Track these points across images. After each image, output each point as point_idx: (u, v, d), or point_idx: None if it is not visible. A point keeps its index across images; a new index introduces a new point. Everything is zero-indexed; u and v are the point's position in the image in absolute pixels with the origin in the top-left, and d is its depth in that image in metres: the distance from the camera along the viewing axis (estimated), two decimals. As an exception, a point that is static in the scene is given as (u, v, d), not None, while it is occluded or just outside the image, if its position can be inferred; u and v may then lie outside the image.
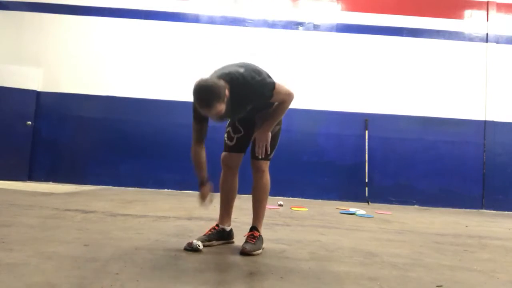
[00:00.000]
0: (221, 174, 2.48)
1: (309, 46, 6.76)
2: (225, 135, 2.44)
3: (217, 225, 2.42)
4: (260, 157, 2.28)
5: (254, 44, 6.67)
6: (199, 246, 2.14)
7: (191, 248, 2.12)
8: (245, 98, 2.09)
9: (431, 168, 6.56)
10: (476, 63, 6.78)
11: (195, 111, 2.16)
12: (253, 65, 2.20)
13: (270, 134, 2.27)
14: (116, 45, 6.81)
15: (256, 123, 2.34)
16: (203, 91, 1.93)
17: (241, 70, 2.08)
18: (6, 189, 4.95)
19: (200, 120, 2.21)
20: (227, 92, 1.95)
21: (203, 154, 2.32)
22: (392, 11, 6.88)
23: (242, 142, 2.38)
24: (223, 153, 2.45)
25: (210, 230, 2.39)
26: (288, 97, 2.22)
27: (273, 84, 2.11)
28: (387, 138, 6.61)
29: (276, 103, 2.24)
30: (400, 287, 1.69)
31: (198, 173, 2.33)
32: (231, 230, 2.44)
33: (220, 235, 2.38)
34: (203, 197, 2.30)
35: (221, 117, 2.07)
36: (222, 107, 1.93)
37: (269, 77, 2.19)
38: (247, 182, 2.61)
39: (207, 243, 2.28)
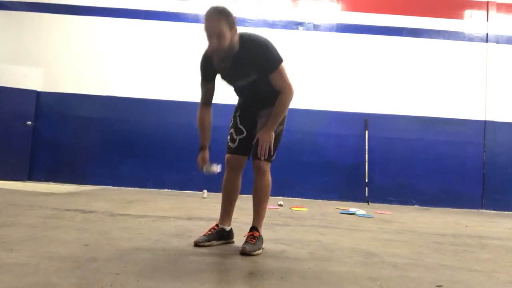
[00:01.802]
0: (224, 175, 2.44)
1: (309, 46, 6.76)
2: (228, 137, 2.42)
3: (216, 225, 2.40)
4: (262, 158, 2.23)
5: (254, 44, 6.66)
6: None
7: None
8: (252, 57, 2.11)
9: (431, 168, 6.56)
10: (476, 63, 6.78)
11: (201, 66, 2.25)
12: None
13: (273, 134, 2.23)
14: (116, 45, 6.81)
15: (258, 124, 2.32)
16: (214, 6, 2.01)
17: (257, 34, 2.17)
18: (6, 189, 4.95)
19: (206, 77, 2.28)
20: (236, 27, 2.04)
21: (208, 117, 2.39)
22: (392, 11, 6.89)
23: (245, 144, 2.35)
24: (226, 156, 2.43)
25: (209, 230, 2.38)
26: (288, 88, 2.19)
27: (280, 60, 2.14)
28: (387, 138, 6.61)
29: (274, 106, 2.22)
30: (400, 287, 1.68)
31: (200, 135, 2.38)
32: (231, 230, 2.43)
33: (220, 235, 2.37)
34: (200, 163, 2.31)
35: (223, 60, 2.09)
36: (227, 33, 1.99)
37: (281, 58, 2.19)
38: (248, 182, 2.61)
39: (207, 243, 2.28)
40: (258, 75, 2.19)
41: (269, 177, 2.34)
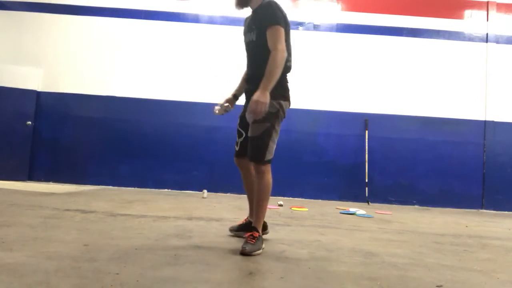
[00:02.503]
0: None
1: (309, 46, 6.77)
2: None
3: (247, 218, 2.66)
4: (256, 118, 2.18)
5: (254, 44, 6.66)
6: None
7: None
8: (260, 12, 2.37)
9: (431, 168, 6.56)
10: (476, 63, 6.78)
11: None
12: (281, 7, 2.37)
13: (268, 95, 2.16)
14: (116, 45, 6.81)
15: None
16: None
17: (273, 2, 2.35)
18: (6, 189, 4.95)
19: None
20: None
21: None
22: (392, 11, 6.89)
23: (245, 146, 2.39)
24: (234, 158, 2.59)
25: (242, 221, 2.63)
26: (280, 47, 2.22)
27: (277, 20, 2.26)
28: (387, 138, 6.61)
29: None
30: (400, 287, 1.69)
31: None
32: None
33: (249, 227, 2.44)
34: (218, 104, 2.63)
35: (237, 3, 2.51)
36: None
37: (282, 22, 2.30)
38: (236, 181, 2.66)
39: (235, 232, 2.62)
40: (257, 34, 2.36)
41: (268, 178, 2.30)
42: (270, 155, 2.29)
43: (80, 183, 6.39)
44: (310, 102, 6.53)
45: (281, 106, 2.31)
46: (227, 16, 6.80)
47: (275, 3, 2.33)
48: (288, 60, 2.37)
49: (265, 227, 2.58)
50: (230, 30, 6.72)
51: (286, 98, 2.36)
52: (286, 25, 2.35)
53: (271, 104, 2.22)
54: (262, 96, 2.14)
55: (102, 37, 6.83)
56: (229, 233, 2.70)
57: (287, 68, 2.39)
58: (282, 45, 2.24)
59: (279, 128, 2.33)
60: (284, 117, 2.37)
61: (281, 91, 2.31)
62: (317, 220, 3.90)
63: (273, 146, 2.30)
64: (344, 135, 6.61)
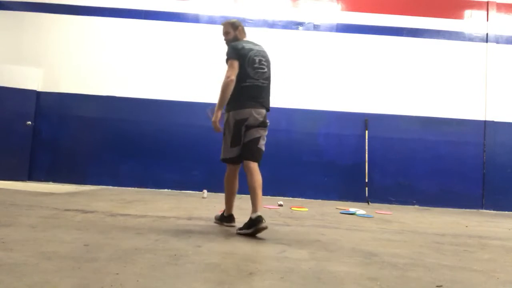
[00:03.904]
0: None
1: (309, 46, 6.76)
2: None
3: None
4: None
5: (254, 44, 6.65)
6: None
7: None
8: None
9: (431, 168, 6.56)
10: (476, 63, 6.78)
11: None
12: (239, 45, 2.87)
13: (216, 114, 2.79)
14: (116, 45, 6.81)
15: None
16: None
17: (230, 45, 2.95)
18: (6, 189, 4.95)
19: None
20: (234, 32, 3.07)
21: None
22: (392, 11, 6.88)
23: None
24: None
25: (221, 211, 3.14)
26: (225, 76, 2.75)
27: (228, 57, 2.82)
28: (387, 138, 6.61)
29: None
30: (400, 287, 1.68)
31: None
32: (257, 217, 2.68)
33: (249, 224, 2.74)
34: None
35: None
36: (227, 30, 3.11)
37: (234, 56, 2.78)
38: (245, 182, 2.67)
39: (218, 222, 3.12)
40: None
41: (226, 175, 3.01)
42: (222, 155, 2.95)
43: (80, 183, 6.39)
44: (310, 102, 6.52)
45: (230, 116, 2.84)
46: (227, 16, 6.78)
47: (231, 45, 2.89)
48: (246, 81, 2.81)
49: (230, 219, 3.04)
50: (230, 30, 6.71)
51: (236, 107, 2.80)
52: (241, 56, 2.80)
53: (225, 116, 2.89)
54: (213, 116, 2.82)
55: (102, 37, 6.83)
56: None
57: (241, 88, 2.80)
58: (227, 73, 2.77)
59: (229, 133, 2.87)
60: (240, 122, 2.80)
61: (232, 104, 2.81)
62: (317, 220, 3.90)
63: (225, 148, 2.91)
64: (344, 135, 6.61)
